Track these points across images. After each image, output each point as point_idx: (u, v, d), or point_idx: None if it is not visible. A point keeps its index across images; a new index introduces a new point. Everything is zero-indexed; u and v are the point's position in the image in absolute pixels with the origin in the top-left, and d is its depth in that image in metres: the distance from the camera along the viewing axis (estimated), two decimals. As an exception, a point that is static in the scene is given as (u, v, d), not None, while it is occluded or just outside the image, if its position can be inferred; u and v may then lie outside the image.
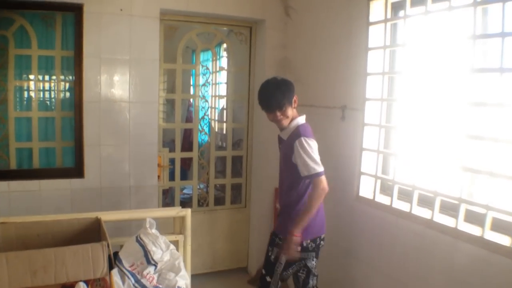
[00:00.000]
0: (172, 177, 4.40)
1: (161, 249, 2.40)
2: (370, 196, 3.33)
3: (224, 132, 4.82)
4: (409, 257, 2.89)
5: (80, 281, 2.01)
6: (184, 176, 4.78)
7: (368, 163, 3.36)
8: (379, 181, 3.29)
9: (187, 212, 2.72)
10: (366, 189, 3.40)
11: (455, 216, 2.56)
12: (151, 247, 2.36)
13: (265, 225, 4.56)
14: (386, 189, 3.30)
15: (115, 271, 2.15)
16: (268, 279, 3.06)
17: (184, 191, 5.03)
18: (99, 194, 3.85)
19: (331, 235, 3.39)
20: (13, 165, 3.82)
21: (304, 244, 2.94)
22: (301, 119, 2.98)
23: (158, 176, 4.13)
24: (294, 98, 2.95)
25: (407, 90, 3.02)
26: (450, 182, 2.67)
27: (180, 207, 2.81)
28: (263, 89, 2.95)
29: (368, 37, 3.26)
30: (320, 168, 2.79)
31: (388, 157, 3.27)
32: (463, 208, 2.55)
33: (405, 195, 3.04)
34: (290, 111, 2.93)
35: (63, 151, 3.97)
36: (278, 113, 2.89)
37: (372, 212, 3.24)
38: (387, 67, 3.19)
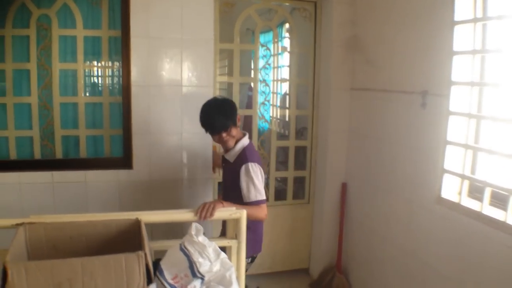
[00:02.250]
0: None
1: (210, 260, 2.03)
2: (455, 199, 2.85)
3: (286, 119, 4.44)
4: (503, 278, 2.37)
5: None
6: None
7: (453, 159, 2.87)
8: (466, 182, 2.80)
9: (243, 213, 2.34)
10: (450, 190, 2.91)
11: None
12: (197, 258, 1.99)
13: (329, 223, 4.20)
14: (473, 191, 2.81)
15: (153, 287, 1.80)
16: None
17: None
18: (148, 187, 3.61)
19: (405, 242, 3.08)
20: (58, 154, 3.64)
21: None
22: (246, 140, 2.94)
23: (213, 168, 3.81)
24: (238, 116, 2.89)
25: (503, 72, 2.51)
26: None
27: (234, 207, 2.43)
28: (205, 113, 2.86)
29: (454, 9, 2.75)
30: (262, 197, 2.81)
31: (478, 153, 2.77)
32: None
33: (500, 201, 2.54)
34: (235, 131, 2.87)
35: (111, 140, 3.75)
36: (224, 134, 2.83)
37: (456, 218, 2.76)
38: (478, 45, 2.69)
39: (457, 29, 2.76)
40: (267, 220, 4.13)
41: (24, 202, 3.42)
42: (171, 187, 3.67)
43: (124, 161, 3.62)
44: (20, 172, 3.44)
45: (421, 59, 3.07)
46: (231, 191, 2.93)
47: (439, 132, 2.90)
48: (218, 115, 2.79)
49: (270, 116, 4.55)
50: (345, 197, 4.10)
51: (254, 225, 2.80)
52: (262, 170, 2.87)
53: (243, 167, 2.79)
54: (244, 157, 2.84)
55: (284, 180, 4.44)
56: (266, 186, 4.27)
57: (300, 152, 4.45)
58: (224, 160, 3.06)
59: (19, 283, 1.59)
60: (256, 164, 2.83)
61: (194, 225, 2.03)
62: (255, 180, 2.78)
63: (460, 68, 2.79)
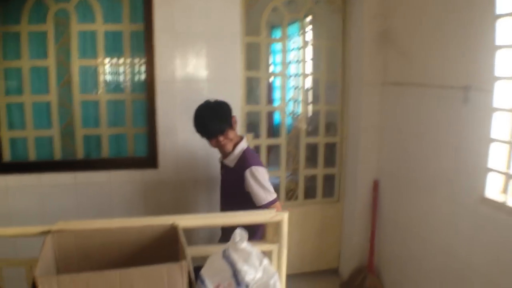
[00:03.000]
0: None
1: (255, 267, 1.85)
2: (501, 199, 2.66)
3: (315, 115, 4.26)
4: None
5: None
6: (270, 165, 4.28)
7: (498, 157, 2.69)
8: (512, 181, 2.62)
9: (284, 216, 2.16)
10: (494, 189, 2.72)
11: None
12: (242, 266, 1.82)
13: (361, 221, 4.04)
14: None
15: (197, 300, 1.64)
16: None
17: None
18: (175, 187, 3.49)
19: (445, 243, 3.01)
20: (80, 154, 3.50)
21: None
22: (244, 143, 2.83)
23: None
24: (234, 118, 2.79)
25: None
26: None
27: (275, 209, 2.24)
28: (198, 117, 2.77)
29: (495, 2, 2.57)
30: (272, 196, 2.71)
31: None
32: None
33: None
34: (232, 133, 2.77)
35: (134, 139, 3.61)
36: (221, 138, 2.73)
37: (501, 219, 2.58)
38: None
39: (500, 22, 2.58)
40: (295, 220, 4.00)
41: (46, 205, 3.31)
42: (199, 187, 3.53)
43: (149, 160, 3.48)
44: (40, 174, 3.33)
45: (461, 53, 2.90)
46: (231, 198, 2.89)
47: (482, 129, 2.72)
48: (212, 118, 2.71)
49: (294, 112, 4.36)
50: (377, 194, 3.93)
51: (261, 230, 2.65)
52: (265, 171, 2.77)
53: (247, 172, 2.68)
54: (245, 160, 2.74)
55: (313, 178, 4.26)
56: (295, 184, 4.19)
57: (329, 149, 4.28)
58: (223, 166, 2.94)
59: (51, 298, 1.42)
60: (260, 166, 2.73)
61: (238, 231, 1.86)
62: (264, 182, 2.68)
63: (504, 63, 2.61)
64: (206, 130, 2.73)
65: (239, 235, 1.85)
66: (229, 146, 2.77)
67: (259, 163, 2.75)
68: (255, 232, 2.60)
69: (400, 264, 3.69)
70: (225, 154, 2.84)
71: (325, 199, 4.25)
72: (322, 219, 4.22)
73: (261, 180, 2.68)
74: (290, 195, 4.18)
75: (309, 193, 4.24)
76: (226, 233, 2.73)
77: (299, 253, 4.11)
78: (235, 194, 2.79)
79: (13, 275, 2.12)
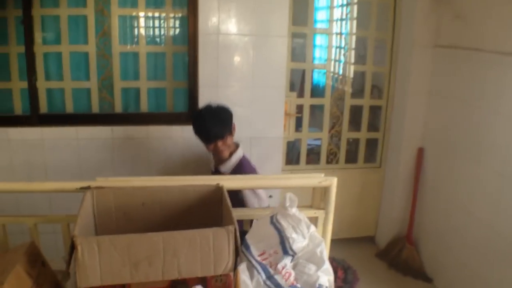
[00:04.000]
0: (298, 128, 3.83)
1: (303, 235, 1.73)
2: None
3: (359, 76, 4.08)
4: None
5: (198, 284, 1.40)
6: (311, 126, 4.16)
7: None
8: None
9: (333, 181, 2.03)
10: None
11: None
12: (291, 233, 1.70)
13: (402, 190, 3.91)
14: None
15: (243, 268, 1.53)
16: None
17: (308, 142, 4.39)
18: None
19: (492, 219, 2.91)
20: (118, 108, 3.41)
21: None
22: (240, 152, 2.81)
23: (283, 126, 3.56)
24: (233, 125, 2.77)
25: None
26: None
27: (323, 174, 2.10)
28: (199, 120, 2.73)
29: None
30: (265, 204, 2.70)
31: None
32: None
33: None
34: (230, 140, 2.75)
35: (174, 93, 3.50)
36: (220, 143, 2.69)
37: None
38: None
39: None
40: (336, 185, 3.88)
41: (82, 159, 3.26)
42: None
43: (189, 116, 3.35)
44: (77, 127, 3.26)
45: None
46: None
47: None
48: (214, 122, 2.67)
49: (344, 72, 4.18)
50: (421, 163, 3.77)
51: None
52: None
53: None
54: (242, 168, 2.73)
55: (355, 142, 4.14)
56: (336, 148, 4.07)
57: (374, 112, 4.12)
58: (217, 173, 2.87)
59: (91, 261, 1.33)
60: (256, 175, 2.73)
61: (288, 195, 1.73)
62: (258, 191, 2.66)
63: None
64: (206, 134, 2.69)
65: (289, 199, 1.72)
66: (226, 153, 2.75)
67: (255, 172, 2.77)
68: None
69: (440, 237, 3.56)
70: (220, 161, 2.80)
71: (367, 165, 4.14)
72: (362, 185, 4.11)
73: (258, 190, 2.65)
74: (331, 158, 4.06)
75: (350, 158, 4.13)
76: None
77: (336, 219, 3.91)
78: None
79: (47, 230, 2.06)
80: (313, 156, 4.23)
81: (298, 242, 1.71)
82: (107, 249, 1.35)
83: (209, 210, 1.82)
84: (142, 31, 3.40)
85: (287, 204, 1.71)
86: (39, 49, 3.26)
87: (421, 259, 3.79)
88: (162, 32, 3.48)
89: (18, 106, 3.34)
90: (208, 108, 2.73)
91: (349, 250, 4.03)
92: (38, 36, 3.24)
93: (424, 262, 3.76)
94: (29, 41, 3.18)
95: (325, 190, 2.09)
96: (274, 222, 1.73)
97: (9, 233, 1.88)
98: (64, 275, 1.65)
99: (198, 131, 2.72)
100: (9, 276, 1.32)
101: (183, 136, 3.30)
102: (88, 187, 1.73)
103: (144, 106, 3.44)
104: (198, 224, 1.52)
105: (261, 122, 3.44)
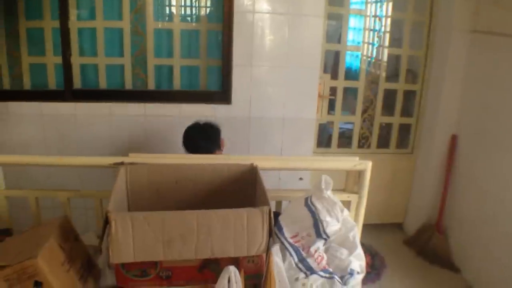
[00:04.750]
0: (330, 110, 3.79)
1: (337, 219, 1.70)
2: None
3: (394, 60, 3.99)
4: None
5: (230, 264, 1.38)
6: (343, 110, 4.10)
7: None
8: None
9: (367, 165, 2.00)
10: None
11: None
12: (325, 217, 1.67)
13: (433, 177, 3.83)
14: None
15: (276, 249, 1.51)
16: None
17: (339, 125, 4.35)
18: (246, 124, 3.40)
19: None
20: (151, 85, 3.41)
21: None
22: None
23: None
24: (222, 141, 2.78)
25: None
26: None
27: (357, 158, 2.07)
28: (188, 137, 2.75)
29: None
30: None
31: None
32: None
33: None
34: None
35: (208, 71, 3.48)
36: None
37: None
38: None
39: None
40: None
41: (114, 135, 3.29)
42: (271, 126, 3.43)
43: (222, 95, 3.37)
44: (110, 103, 3.28)
45: None
46: None
47: None
48: (202, 138, 2.72)
49: (379, 55, 4.10)
50: (454, 150, 3.68)
51: None
52: None
53: None
54: None
55: (388, 127, 4.07)
56: (369, 132, 4.02)
57: (407, 97, 4.03)
58: None
59: (124, 238, 1.33)
60: None
61: (324, 177, 1.70)
62: None
63: None
64: (194, 150, 2.69)
65: (325, 181, 1.69)
66: None
67: None
68: None
69: (471, 226, 3.49)
70: None
71: (399, 150, 4.07)
72: (393, 171, 4.04)
73: None
74: (363, 142, 4.00)
75: (382, 142, 4.06)
76: None
77: (367, 204, 3.96)
78: None
79: (78, 205, 2.08)
80: (344, 139, 4.17)
81: (332, 225, 1.69)
82: (141, 225, 1.34)
83: (242, 190, 1.80)
84: (177, 8, 3.38)
85: (323, 186, 1.68)
86: (74, 25, 3.27)
87: (450, 248, 3.73)
88: (197, 10, 3.46)
89: (52, 81, 3.37)
90: (197, 125, 2.78)
91: (377, 236, 4.00)
92: (73, 12, 3.25)
93: (453, 252, 3.70)
94: (64, 16, 3.19)
95: (359, 174, 2.05)
96: (308, 204, 1.70)
97: (41, 207, 1.90)
98: (96, 250, 1.66)
99: (187, 148, 2.76)
100: (43, 249, 1.33)
101: (216, 115, 3.29)
102: (122, 163, 1.73)
103: (177, 84, 3.43)
104: (231, 204, 1.50)
105: (294, 103, 3.40)
